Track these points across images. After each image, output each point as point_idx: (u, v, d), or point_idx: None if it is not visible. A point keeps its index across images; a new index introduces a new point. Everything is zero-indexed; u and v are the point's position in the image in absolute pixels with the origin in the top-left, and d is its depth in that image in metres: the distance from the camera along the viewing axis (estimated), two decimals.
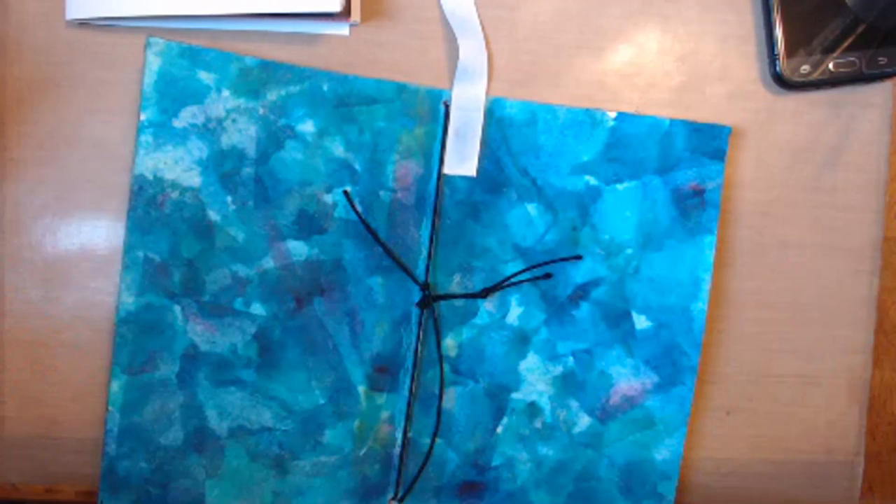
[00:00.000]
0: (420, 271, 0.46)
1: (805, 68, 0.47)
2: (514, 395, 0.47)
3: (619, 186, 0.47)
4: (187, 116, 0.44)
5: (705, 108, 0.48)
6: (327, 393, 0.46)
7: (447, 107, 0.46)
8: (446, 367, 0.47)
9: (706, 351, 0.49)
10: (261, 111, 0.44)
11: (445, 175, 0.46)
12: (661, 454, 0.48)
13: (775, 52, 0.47)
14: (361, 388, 0.46)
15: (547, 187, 0.46)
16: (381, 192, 0.46)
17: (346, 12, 0.43)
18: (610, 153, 0.47)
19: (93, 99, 0.44)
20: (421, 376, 0.47)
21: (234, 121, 0.44)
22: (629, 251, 0.47)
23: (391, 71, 0.46)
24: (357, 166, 0.45)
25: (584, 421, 0.48)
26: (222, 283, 0.45)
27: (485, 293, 0.46)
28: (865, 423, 0.50)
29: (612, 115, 0.47)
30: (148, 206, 0.44)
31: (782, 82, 0.47)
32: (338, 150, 0.45)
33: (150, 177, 0.44)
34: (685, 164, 0.47)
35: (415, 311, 0.46)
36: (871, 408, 0.50)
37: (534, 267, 0.47)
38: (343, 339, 0.46)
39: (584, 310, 0.47)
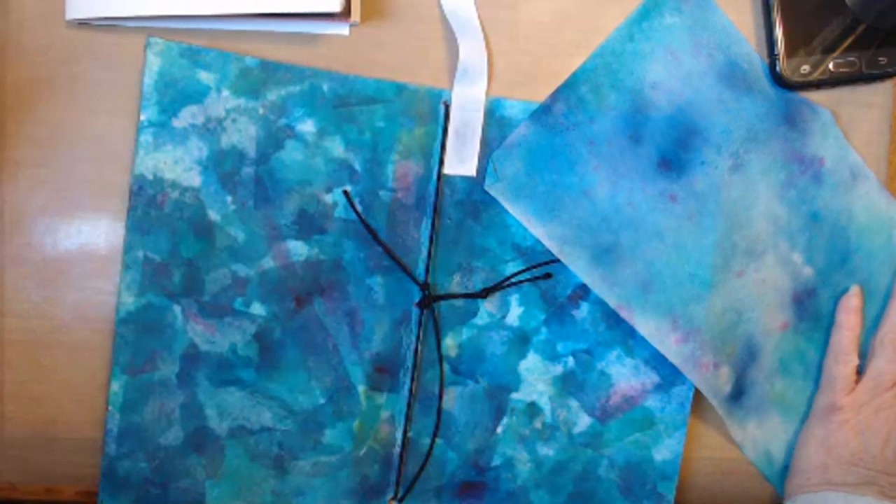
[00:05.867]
0: (420, 271, 0.46)
1: (805, 68, 0.46)
2: (514, 396, 0.47)
3: None
4: (187, 116, 0.44)
5: None
6: (327, 393, 0.46)
7: (447, 107, 0.46)
8: (446, 367, 0.47)
9: None
10: (261, 111, 0.44)
11: (445, 175, 0.46)
12: (661, 454, 0.48)
13: (775, 52, 0.47)
14: (361, 388, 0.46)
15: None
16: (381, 192, 0.46)
17: (346, 12, 0.43)
18: None
19: (93, 99, 0.44)
20: (421, 376, 0.47)
21: (234, 121, 0.44)
22: None
23: (391, 71, 0.46)
24: (357, 166, 0.45)
25: (584, 421, 0.48)
26: (222, 283, 0.45)
27: (485, 293, 0.46)
28: None
29: None
30: (148, 206, 0.44)
31: (782, 82, 0.47)
32: (338, 150, 0.45)
33: (150, 177, 0.44)
34: None
35: (415, 311, 0.46)
36: None
37: (534, 267, 0.47)
38: (343, 339, 0.46)
39: (583, 310, 0.47)
